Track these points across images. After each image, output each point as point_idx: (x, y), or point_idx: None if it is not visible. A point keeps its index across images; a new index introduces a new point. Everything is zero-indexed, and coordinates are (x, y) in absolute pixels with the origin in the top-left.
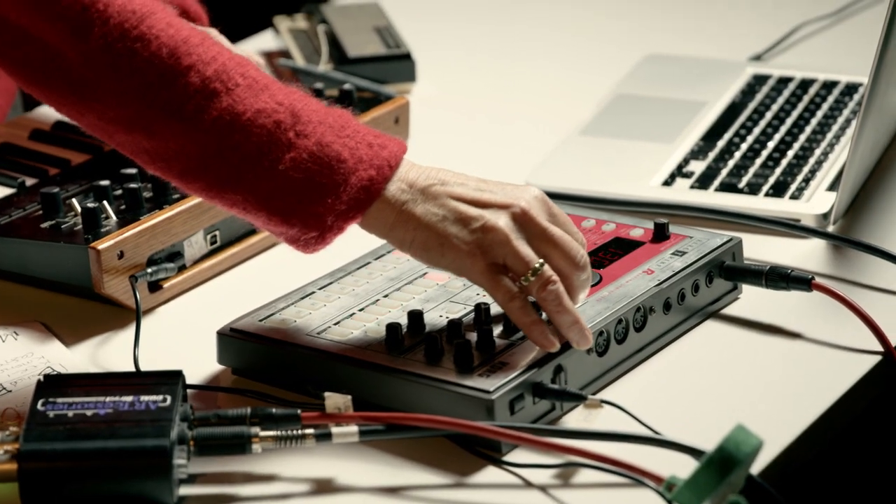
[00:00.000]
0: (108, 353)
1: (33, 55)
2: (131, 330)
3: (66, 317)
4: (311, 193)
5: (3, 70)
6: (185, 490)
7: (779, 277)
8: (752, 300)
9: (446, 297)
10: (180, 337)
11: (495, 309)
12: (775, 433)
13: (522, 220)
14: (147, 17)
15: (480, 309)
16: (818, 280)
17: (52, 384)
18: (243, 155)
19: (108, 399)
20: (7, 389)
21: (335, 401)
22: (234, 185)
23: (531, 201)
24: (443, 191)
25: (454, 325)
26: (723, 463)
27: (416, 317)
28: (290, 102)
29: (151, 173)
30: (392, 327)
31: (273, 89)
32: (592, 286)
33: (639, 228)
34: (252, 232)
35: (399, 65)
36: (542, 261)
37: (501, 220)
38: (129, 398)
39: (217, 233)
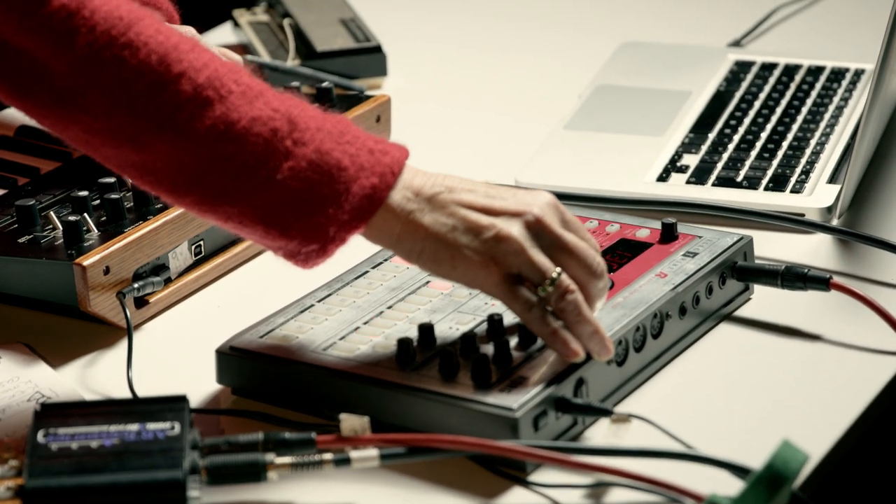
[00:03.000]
0: (98, 374)
1: (15, 67)
2: (120, 349)
3: (50, 337)
4: (311, 204)
5: None
6: None
7: (795, 277)
8: (765, 301)
9: (453, 307)
10: (172, 355)
11: (507, 319)
12: (809, 444)
13: (536, 228)
14: (135, 24)
15: (494, 320)
16: (836, 279)
17: (50, 413)
18: (239, 165)
19: (112, 428)
20: None
21: (352, 423)
22: (230, 198)
23: (544, 208)
24: (451, 198)
25: (469, 338)
26: (772, 481)
27: (426, 330)
28: (286, 109)
29: (140, 188)
30: (403, 342)
31: (268, 96)
32: None
33: (644, 229)
34: (236, 241)
35: (369, 58)
36: (559, 269)
37: (515, 229)
38: (135, 427)
39: (202, 243)
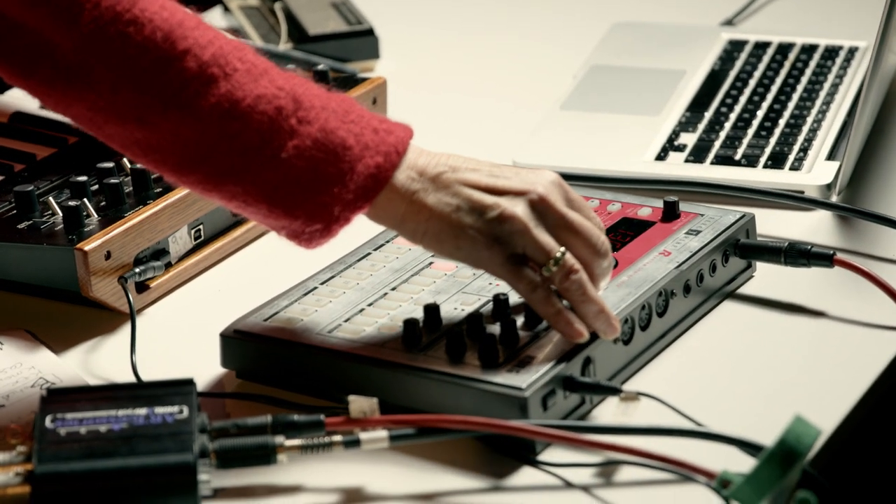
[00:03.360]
0: (101, 359)
1: (19, 44)
2: (122, 334)
3: (52, 323)
4: (315, 183)
5: None
6: None
7: (799, 254)
8: (767, 278)
9: (457, 287)
10: (174, 339)
11: (513, 299)
12: (816, 420)
13: (541, 207)
14: (140, 0)
15: (500, 300)
16: (839, 255)
17: (57, 398)
18: (243, 144)
19: (120, 413)
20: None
21: (360, 405)
22: (234, 177)
23: (548, 186)
24: (454, 178)
25: (475, 318)
26: (785, 457)
27: (432, 311)
28: (290, 87)
29: (144, 167)
30: (409, 323)
31: (272, 74)
32: None
33: (646, 207)
34: (236, 224)
35: (362, 41)
36: (563, 249)
37: (519, 208)
38: (143, 411)
39: (201, 227)
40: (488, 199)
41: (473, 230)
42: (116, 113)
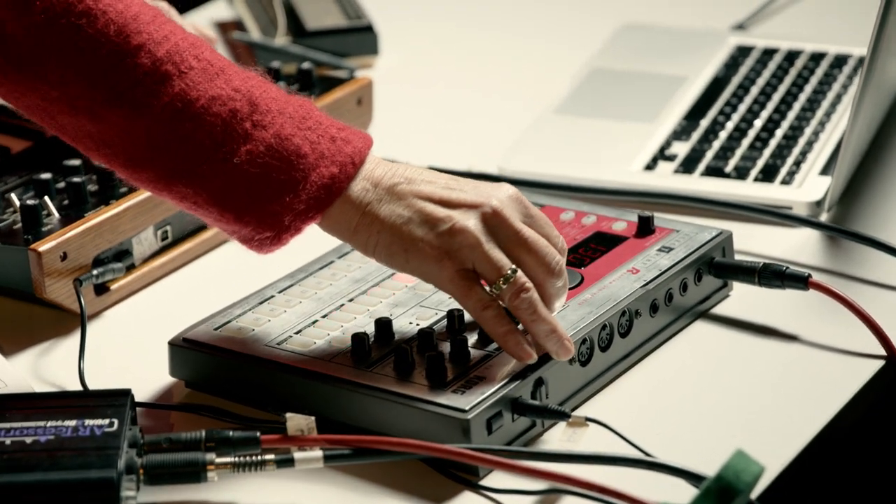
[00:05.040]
0: (50, 364)
1: None
2: (76, 337)
3: (5, 322)
4: (267, 190)
5: None
6: None
7: (773, 275)
8: (744, 298)
9: (416, 301)
10: (130, 344)
11: (468, 316)
12: (774, 449)
13: (494, 222)
14: None
15: (454, 316)
16: (815, 277)
17: None
18: (195, 145)
19: (49, 424)
20: None
21: (297, 422)
22: (185, 178)
23: (504, 200)
24: (409, 190)
25: (425, 334)
26: (721, 493)
27: (384, 325)
28: (247, 89)
29: (95, 162)
30: (358, 338)
31: (229, 74)
32: (573, 288)
33: (621, 221)
34: (205, 227)
35: (361, 37)
36: (514, 267)
37: (471, 222)
38: (72, 423)
39: (168, 228)
40: (441, 211)
41: (423, 243)
42: (68, 105)
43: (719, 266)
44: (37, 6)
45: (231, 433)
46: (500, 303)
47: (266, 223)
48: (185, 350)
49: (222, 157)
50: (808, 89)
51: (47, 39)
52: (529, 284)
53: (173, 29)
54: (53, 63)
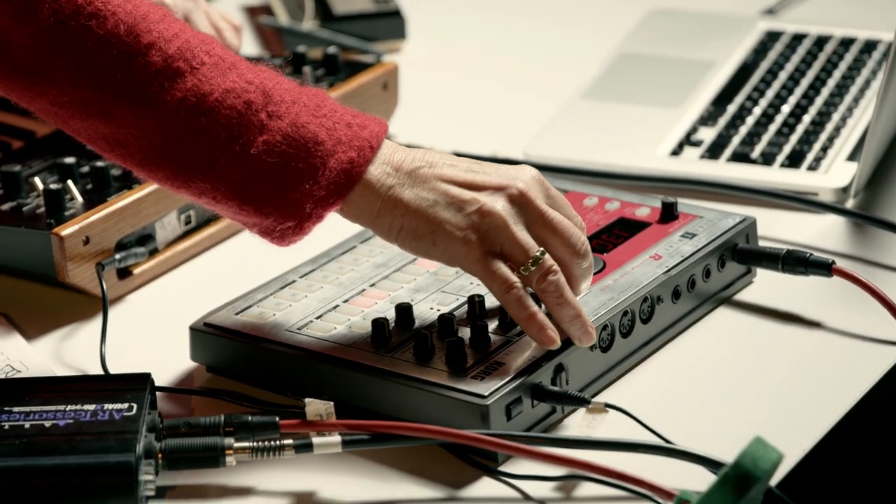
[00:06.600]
0: (73, 348)
1: None
2: (98, 321)
3: (29, 306)
4: (286, 179)
5: None
6: None
7: (797, 262)
8: (767, 285)
9: (437, 286)
10: (152, 329)
11: (489, 302)
12: (796, 437)
13: (520, 203)
14: None
15: (474, 301)
16: (839, 264)
17: (10, 390)
18: (211, 139)
19: (68, 408)
20: None
21: (316, 407)
22: (202, 173)
23: (529, 182)
24: (432, 173)
25: (445, 320)
26: (739, 480)
27: (404, 311)
28: (260, 81)
29: (112, 162)
30: (378, 323)
31: (241, 68)
32: (595, 273)
33: (645, 207)
34: None
35: (388, 22)
36: (542, 249)
37: (499, 204)
38: (91, 407)
39: (191, 212)
40: (467, 194)
41: (451, 225)
42: (80, 108)
43: (742, 252)
44: (44, 11)
45: (250, 418)
46: (525, 286)
47: (287, 212)
48: (206, 334)
49: (239, 150)
50: (837, 75)
51: (56, 45)
52: (556, 267)
53: (183, 27)
54: (63, 67)
